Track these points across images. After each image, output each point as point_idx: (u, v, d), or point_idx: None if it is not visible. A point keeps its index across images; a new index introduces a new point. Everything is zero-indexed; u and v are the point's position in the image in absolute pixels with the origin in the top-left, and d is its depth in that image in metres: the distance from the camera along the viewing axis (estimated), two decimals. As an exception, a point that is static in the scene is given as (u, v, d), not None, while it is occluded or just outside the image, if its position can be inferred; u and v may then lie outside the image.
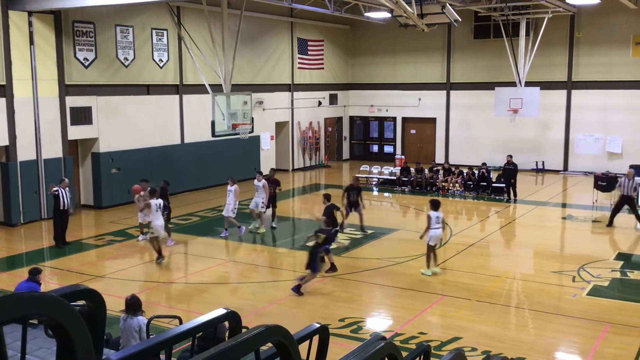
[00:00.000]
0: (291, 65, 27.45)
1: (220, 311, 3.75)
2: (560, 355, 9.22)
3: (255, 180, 16.51)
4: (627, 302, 11.10)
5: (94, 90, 18.98)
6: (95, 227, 17.57)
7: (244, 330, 3.80)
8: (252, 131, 19.16)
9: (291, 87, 27.54)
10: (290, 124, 27.75)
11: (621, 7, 22.40)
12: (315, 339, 4.09)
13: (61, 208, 14.50)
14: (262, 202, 16.21)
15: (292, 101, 27.62)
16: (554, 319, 10.29)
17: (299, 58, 27.87)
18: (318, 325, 3.85)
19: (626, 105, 25.08)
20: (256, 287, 12.06)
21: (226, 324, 4.27)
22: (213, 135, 17.83)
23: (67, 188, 14.70)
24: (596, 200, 20.02)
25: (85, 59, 18.69)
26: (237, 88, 20.68)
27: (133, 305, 7.37)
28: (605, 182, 19.87)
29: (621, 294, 11.57)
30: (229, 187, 15.80)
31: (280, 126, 27.36)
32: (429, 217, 12.47)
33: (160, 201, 13.58)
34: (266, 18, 25.18)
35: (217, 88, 18.23)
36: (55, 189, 14.50)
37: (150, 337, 6.61)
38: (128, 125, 20.02)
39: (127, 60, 19.96)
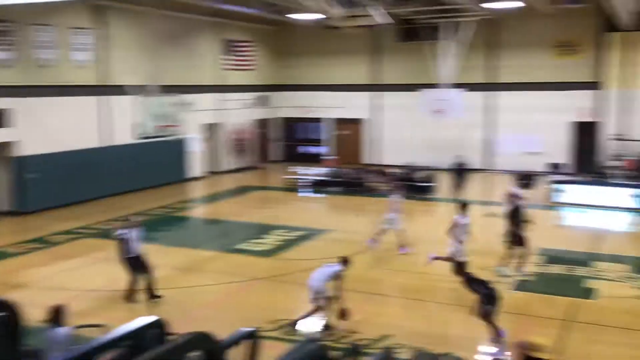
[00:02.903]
0: (219, 66, 27.16)
1: (147, 319, 3.65)
2: (484, 348, 9.51)
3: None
4: (549, 295, 11.58)
5: (12, 91, 18.14)
6: (15, 234, 16.79)
7: (172, 337, 3.72)
8: (179, 133, 18.84)
9: (220, 88, 27.24)
10: (220, 125, 27.45)
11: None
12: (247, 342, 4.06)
13: (127, 256, 11.26)
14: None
15: (221, 102, 27.32)
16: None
17: (228, 59, 27.61)
18: (248, 330, 3.82)
19: (545, 105, 26.19)
20: (186, 292, 11.84)
21: (153, 331, 4.16)
22: (138, 137, 17.42)
23: (135, 229, 11.44)
24: (517, 198, 20.75)
25: (3, 59, 17.86)
26: (164, 89, 20.28)
27: (57, 315, 7.09)
28: (525, 180, 20.67)
29: (543, 288, 12.04)
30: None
31: (209, 128, 27.01)
32: None
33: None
34: (193, 18, 24.81)
35: (142, 89, 17.82)
36: (121, 231, 11.47)
37: (76, 347, 6.38)
38: (48, 128, 19.22)
39: (47, 60, 19.18)
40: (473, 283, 9.41)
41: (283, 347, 8.70)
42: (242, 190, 24.38)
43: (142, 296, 11.29)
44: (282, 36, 30.62)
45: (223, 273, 13.39)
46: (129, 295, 11.23)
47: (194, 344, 2.77)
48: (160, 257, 14.60)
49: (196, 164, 25.96)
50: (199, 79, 25.98)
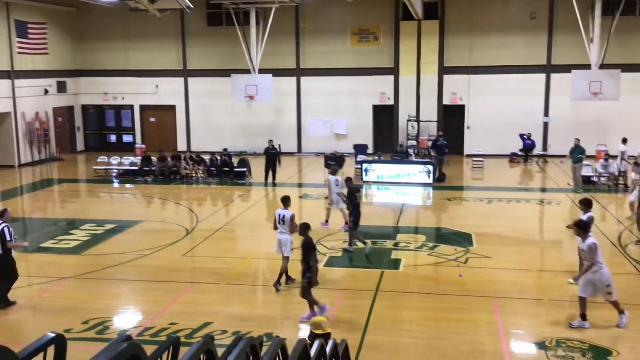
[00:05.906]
0: (9, 49, 24.78)
1: None
2: (303, 325, 9.88)
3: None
4: (357, 269, 12.33)
5: None
6: None
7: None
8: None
9: (11, 74, 24.88)
10: (13, 114, 25.11)
11: None
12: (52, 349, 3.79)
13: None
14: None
15: (13, 89, 24.98)
16: (295, 292, 10.96)
17: (19, 42, 25.28)
18: (52, 335, 3.56)
19: (348, 90, 27.61)
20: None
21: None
22: None
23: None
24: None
25: None
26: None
27: None
28: (333, 161, 21.63)
29: (352, 263, 12.78)
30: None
31: (0, 117, 24.58)
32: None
33: None
34: (-26, -4, 22.35)
35: None
36: None
37: None
38: None
39: None
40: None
41: (95, 349, 8.28)
42: (45, 183, 22.62)
43: None
44: (81, 18, 28.76)
45: (25, 275, 12.35)
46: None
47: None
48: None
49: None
50: (-15, 64, 23.56)
